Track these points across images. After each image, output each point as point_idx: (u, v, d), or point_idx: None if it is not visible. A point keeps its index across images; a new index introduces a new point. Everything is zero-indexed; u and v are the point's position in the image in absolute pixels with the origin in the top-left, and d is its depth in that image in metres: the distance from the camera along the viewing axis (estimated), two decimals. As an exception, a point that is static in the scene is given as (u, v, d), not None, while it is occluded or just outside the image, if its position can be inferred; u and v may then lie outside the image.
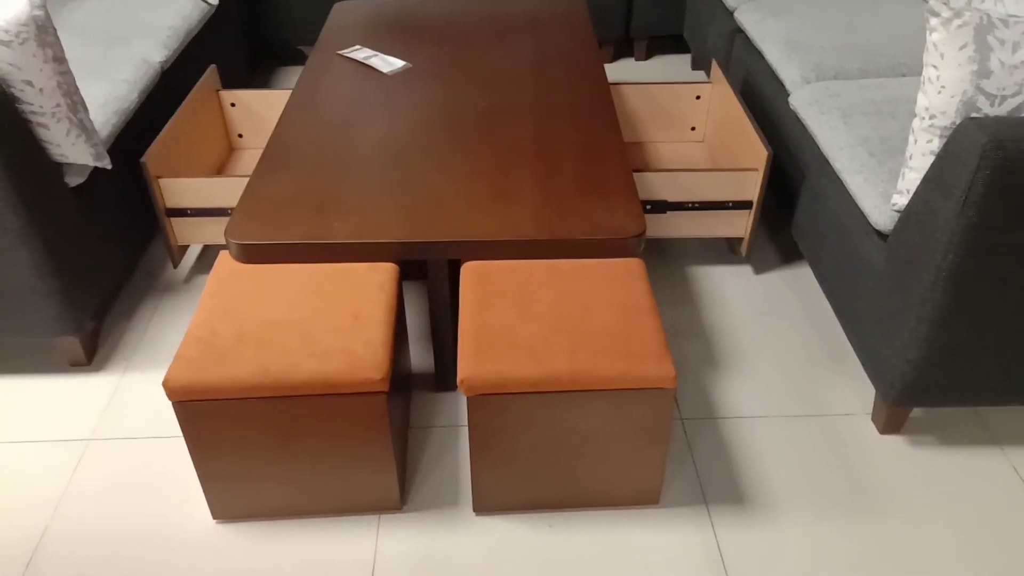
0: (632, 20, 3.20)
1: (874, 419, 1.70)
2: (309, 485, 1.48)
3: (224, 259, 1.60)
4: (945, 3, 1.31)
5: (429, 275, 1.64)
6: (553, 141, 1.83)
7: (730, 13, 2.63)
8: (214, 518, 1.52)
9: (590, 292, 1.51)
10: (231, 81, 2.80)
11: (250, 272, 1.57)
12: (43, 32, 1.54)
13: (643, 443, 1.43)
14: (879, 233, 1.61)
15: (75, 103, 1.67)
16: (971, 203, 1.30)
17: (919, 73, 2.05)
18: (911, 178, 1.48)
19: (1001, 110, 1.34)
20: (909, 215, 1.47)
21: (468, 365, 1.35)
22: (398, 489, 1.50)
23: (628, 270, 1.56)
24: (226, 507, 1.50)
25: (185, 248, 2.13)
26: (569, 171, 1.72)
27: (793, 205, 2.03)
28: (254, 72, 3.27)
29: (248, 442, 1.40)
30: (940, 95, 1.36)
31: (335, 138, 1.83)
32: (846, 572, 1.42)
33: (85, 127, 1.70)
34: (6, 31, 1.49)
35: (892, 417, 1.66)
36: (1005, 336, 1.46)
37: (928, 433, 1.68)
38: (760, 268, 2.16)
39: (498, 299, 1.49)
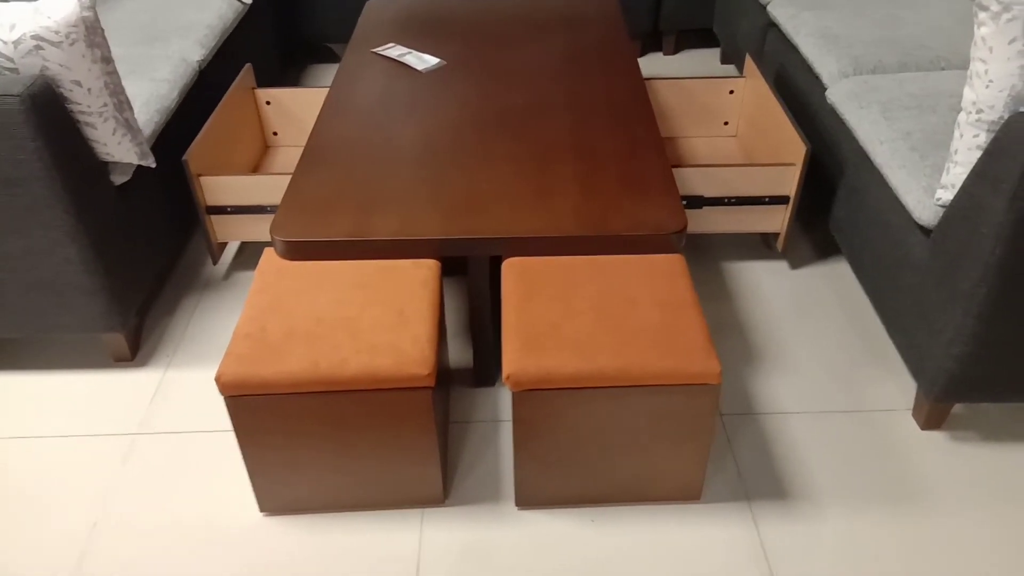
0: (661, 14, 3.19)
1: (915, 415, 1.70)
2: (354, 479, 1.50)
3: (269, 256, 1.62)
4: (994, -4, 1.30)
5: (470, 271, 1.65)
6: (591, 137, 1.83)
7: (763, 7, 2.62)
8: (261, 511, 1.54)
9: (632, 288, 1.51)
10: (264, 79, 2.83)
11: (295, 269, 1.59)
12: (92, 33, 1.57)
13: (686, 439, 1.44)
14: (922, 228, 1.60)
15: (121, 103, 1.69)
16: (1020, 197, 1.29)
17: (959, 67, 2.04)
18: (956, 173, 1.47)
19: (1051, 104, 1.33)
20: (955, 210, 1.46)
21: (514, 360, 1.36)
22: (441, 483, 1.52)
23: (669, 266, 1.57)
24: (273, 500, 1.52)
25: (224, 245, 2.16)
26: (608, 167, 1.72)
27: (830, 200, 2.02)
28: (286, 70, 3.29)
29: (296, 436, 1.42)
30: (988, 89, 1.35)
31: (373, 136, 1.85)
32: (890, 568, 1.42)
33: (131, 126, 1.73)
34: (56, 32, 1.51)
35: (934, 413, 1.65)
36: (1052, 331, 1.45)
37: (970, 429, 1.68)
38: (796, 263, 2.15)
39: (541, 295, 1.50)
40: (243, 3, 2.61)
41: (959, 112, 1.77)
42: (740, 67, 2.96)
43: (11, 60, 1.53)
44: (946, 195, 1.51)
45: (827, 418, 1.71)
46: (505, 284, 1.55)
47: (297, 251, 1.57)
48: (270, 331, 1.43)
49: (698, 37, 3.45)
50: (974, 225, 1.39)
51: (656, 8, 3.18)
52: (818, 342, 1.90)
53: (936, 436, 1.66)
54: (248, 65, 2.35)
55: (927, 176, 1.60)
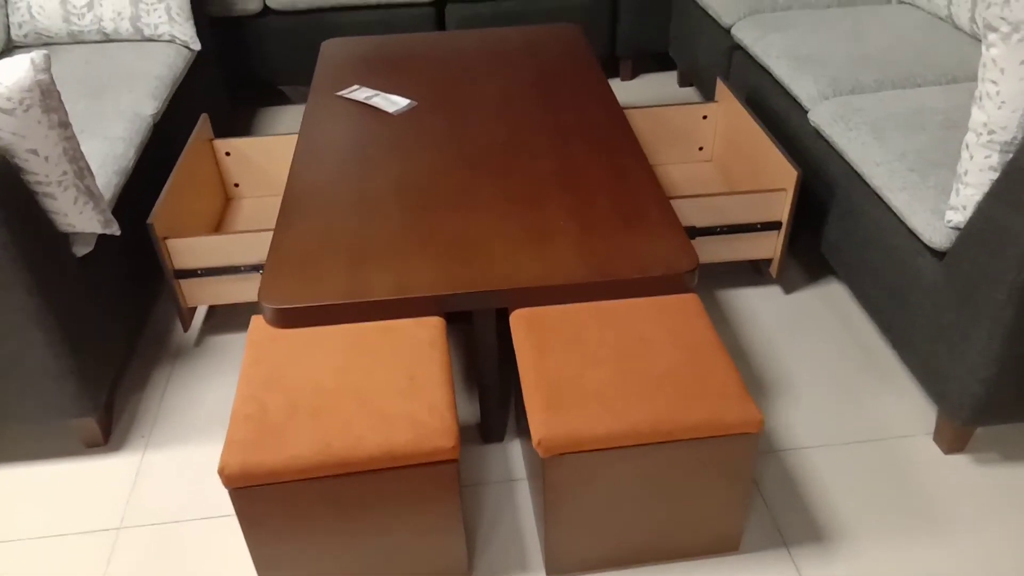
0: (617, 39, 3.17)
1: (937, 439, 1.67)
2: (372, 561, 1.38)
3: (258, 324, 1.50)
4: (1002, 18, 1.28)
5: (476, 326, 1.56)
6: (578, 171, 1.77)
7: (725, 30, 2.61)
8: (270, 606, 1.41)
9: (650, 332, 1.44)
10: (217, 127, 2.69)
11: (287, 336, 1.47)
12: (48, 97, 1.44)
13: (725, 489, 1.37)
14: (932, 250, 1.58)
15: (81, 169, 1.56)
16: (1046, 219, 1.27)
17: (935, 83, 2.04)
18: (967, 194, 1.45)
19: (1064, 122, 1.32)
20: (971, 232, 1.44)
21: (543, 424, 1.27)
22: (466, 556, 1.42)
23: (684, 306, 1.50)
24: (283, 593, 1.39)
25: (194, 310, 2.02)
26: (602, 202, 1.66)
27: (820, 223, 1.99)
28: (236, 115, 3.16)
29: (307, 523, 1.30)
30: (1000, 110, 1.34)
31: (352, 184, 1.75)
32: (940, 605, 1.38)
33: (92, 193, 1.59)
34: (8, 99, 1.38)
35: (958, 436, 1.62)
36: (1076, 348, 1.43)
37: (992, 450, 1.65)
38: (789, 288, 2.12)
39: (555, 346, 1.42)
40: (191, 50, 2.48)
41: (951, 129, 1.76)
42: (702, 90, 2.96)
43: (-42, 131, 1.39)
44: (957, 217, 1.48)
45: (848, 449, 1.67)
46: (516, 338, 1.47)
47: (289, 318, 1.46)
48: (271, 410, 1.31)
49: (654, 61, 3.44)
50: (995, 247, 1.37)
51: (612, 34, 3.15)
52: (823, 368, 1.86)
53: (960, 460, 1.63)
54: (204, 115, 2.23)
55: (932, 198, 1.58)
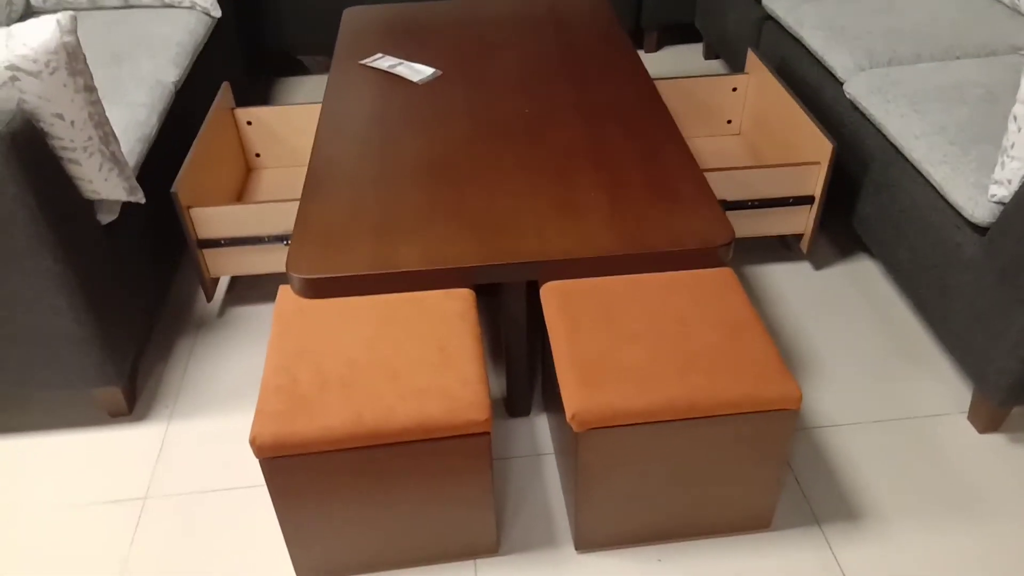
0: (642, 11, 3.11)
1: (972, 419, 1.64)
2: (401, 534, 1.37)
3: (286, 294, 1.48)
4: (1060, -17, 1.24)
5: (504, 299, 1.53)
6: (608, 143, 1.73)
7: (755, 1, 2.55)
8: (298, 577, 1.40)
9: (685, 307, 1.42)
10: (236, 97, 2.65)
11: (316, 307, 1.45)
12: (74, 60, 1.41)
13: (760, 466, 1.35)
14: (973, 226, 1.54)
15: (107, 135, 1.53)
16: (1100, 193, 1.23)
17: (974, 55, 1.99)
18: (1013, 168, 1.41)
19: (1120, 93, 1.27)
20: (1016, 207, 1.40)
21: (576, 398, 1.25)
22: (495, 531, 1.40)
23: (720, 280, 1.47)
24: (312, 565, 1.38)
25: (217, 280, 2.00)
26: (634, 175, 1.62)
27: (852, 197, 1.95)
28: (254, 85, 3.12)
29: (338, 494, 1.29)
30: (1054, 80, 1.29)
31: (378, 154, 1.72)
32: (976, 586, 1.36)
33: (117, 160, 1.57)
34: (35, 60, 1.35)
35: (994, 416, 1.59)
36: (1122, 327, 1.40)
37: (1028, 429, 1.63)
38: (819, 264, 2.08)
39: (588, 321, 1.40)
40: (211, 16, 2.44)
41: (992, 103, 1.72)
42: (729, 62, 2.90)
43: (-17, 94, 1.36)
44: (1001, 191, 1.44)
45: (880, 428, 1.64)
46: (548, 312, 1.44)
47: (317, 288, 1.44)
48: (302, 381, 1.29)
49: (679, 33, 3.38)
50: (1043, 223, 1.33)
51: (637, 4, 3.09)
52: (855, 345, 1.83)
53: (995, 439, 1.61)
54: (226, 84, 2.20)
55: (975, 171, 1.54)
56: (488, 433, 1.26)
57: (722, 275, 1.49)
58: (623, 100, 1.89)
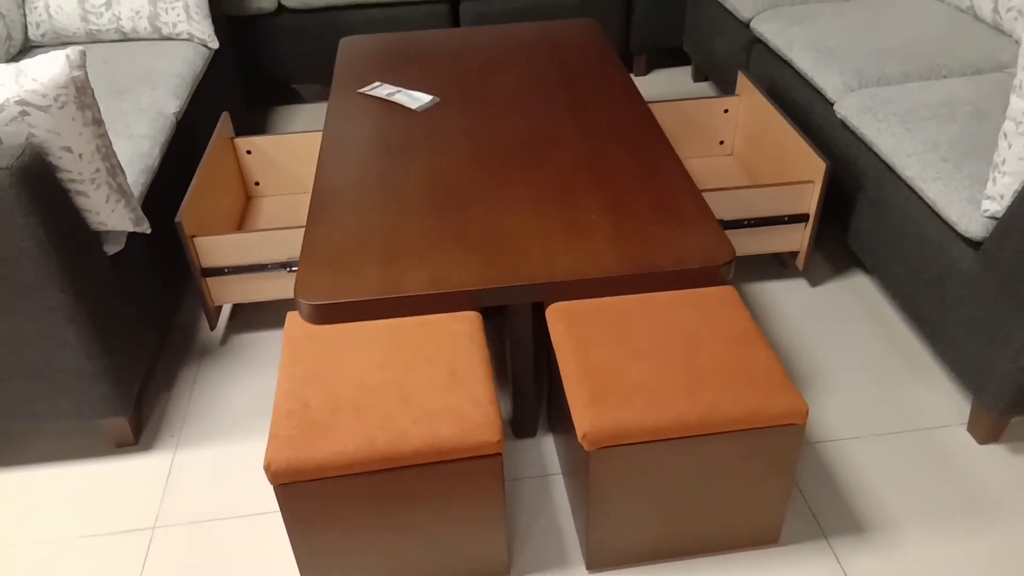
0: (631, 35, 3.16)
1: (971, 430, 1.66)
2: (414, 557, 1.37)
3: (294, 320, 1.49)
4: (1045, 4, 1.28)
5: (510, 320, 1.55)
6: (608, 165, 1.76)
7: (743, 24, 2.61)
8: (311, 603, 1.40)
9: (689, 325, 1.44)
10: (234, 126, 2.68)
11: (324, 332, 1.47)
12: (82, 94, 1.43)
13: (768, 481, 1.36)
14: (967, 240, 1.57)
15: (113, 167, 1.55)
16: (1091, 206, 1.27)
17: (961, 74, 2.04)
18: (1005, 183, 1.44)
19: (1107, 109, 1.31)
20: (1010, 221, 1.43)
21: (587, 418, 1.27)
22: (507, 552, 1.41)
23: (722, 298, 1.50)
24: (324, 590, 1.39)
25: (220, 308, 2.01)
26: (635, 196, 1.65)
27: (846, 215, 1.99)
28: (250, 114, 3.15)
29: (352, 519, 1.30)
30: (1042, 97, 1.33)
31: (381, 181, 1.74)
32: (985, 595, 1.37)
33: (124, 191, 1.58)
34: (44, 95, 1.37)
35: (993, 427, 1.62)
36: (1116, 336, 1.43)
37: (1027, 439, 1.65)
38: (815, 281, 2.11)
39: (594, 340, 1.41)
40: (208, 48, 2.47)
41: (981, 120, 1.76)
42: (719, 84, 2.95)
43: (-7, 129, 1.38)
44: (994, 206, 1.48)
45: (883, 441, 1.66)
46: (555, 332, 1.46)
47: (325, 314, 1.45)
48: (313, 406, 1.30)
49: (668, 56, 3.44)
50: (1037, 235, 1.36)
51: (626, 29, 3.15)
52: (853, 360, 1.86)
53: (996, 449, 1.63)
54: (225, 114, 2.22)
55: (967, 187, 1.57)
56: (500, 454, 1.27)
57: (724, 293, 1.51)
58: (620, 123, 1.93)
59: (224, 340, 2.01)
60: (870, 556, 1.44)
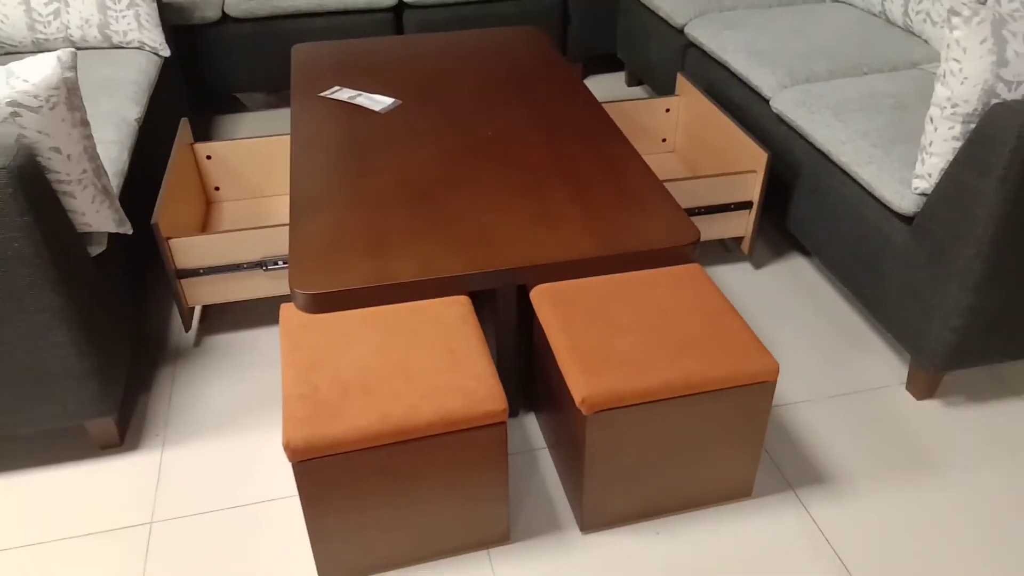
0: (567, 43, 3.31)
1: (909, 388, 1.84)
2: (421, 529, 1.44)
3: (288, 312, 1.54)
4: (964, 3, 1.46)
5: (498, 303, 1.64)
6: (571, 161, 1.87)
7: (677, 30, 2.78)
8: (321, 581, 1.45)
9: (664, 300, 1.56)
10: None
11: (321, 321, 1.52)
12: (73, 95, 1.45)
13: (743, 437, 1.49)
14: (900, 216, 1.75)
15: (98, 167, 1.57)
16: (1009, 179, 1.45)
17: (879, 71, 2.25)
18: (932, 163, 1.62)
19: (1017, 94, 1.51)
20: (939, 196, 1.61)
21: (583, 384, 1.37)
22: (507, 520, 1.49)
23: (691, 275, 1.63)
24: (335, 568, 1.44)
25: (193, 309, 2.02)
26: (600, 187, 1.77)
27: (787, 202, 2.16)
28: (196, 123, 3.13)
29: (364, 494, 1.36)
30: (963, 85, 1.51)
31: (356, 178, 1.81)
32: (935, 526, 1.53)
33: (108, 192, 1.60)
34: (35, 96, 1.39)
35: (929, 384, 1.80)
36: (1032, 295, 1.62)
37: (956, 394, 1.84)
38: (758, 264, 2.28)
39: (579, 318, 1.52)
40: (160, 56, 2.47)
41: (902, 111, 1.95)
42: (654, 87, 3.12)
43: (-17, 130, 1.38)
44: (923, 184, 1.66)
45: (832, 402, 1.82)
46: (541, 312, 1.56)
47: (321, 303, 1.51)
48: (322, 389, 1.36)
49: (602, 63, 3.60)
50: (963, 207, 1.54)
51: (563, 38, 3.29)
52: (798, 333, 2.02)
53: (932, 404, 1.81)
54: (184, 119, 2.23)
55: (897, 169, 1.75)
56: (505, 423, 1.35)
57: (691, 271, 1.64)
58: (576, 120, 2.04)
59: (197, 341, 2.02)
60: (833, 504, 1.59)
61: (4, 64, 2.26)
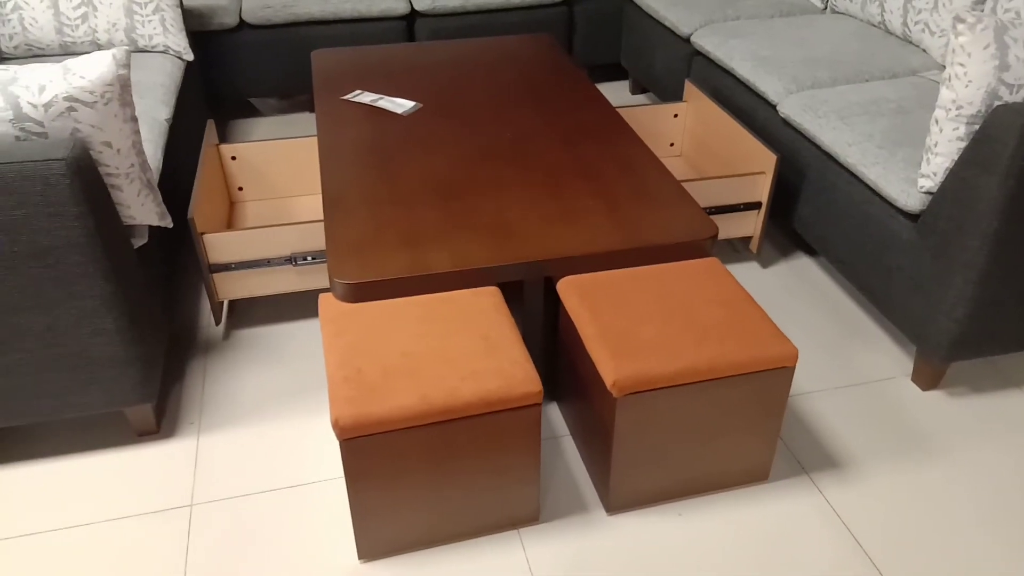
0: (573, 51, 3.40)
1: (914, 379, 1.92)
2: (457, 508, 1.51)
3: (327, 302, 1.61)
4: (969, 11, 1.55)
5: (525, 294, 1.71)
6: (590, 161, 1.95)
7: (683, 39, 2.87)
8: (360, 559, 1.51)
9: (686, 291, 1.64)
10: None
11: (359, 311, 1.59)
12: (125, 91, 1.51)
13: (762, 421, 1.57)
14: (906, 214, 1.84)
15: (144, 163, 1.63)
16: (1012, 176, 1.54)
17: (880, 78, 2.34)
18: (937, 162, 1.71)
19: (1018, 97, 1.60)
20: (944, 194, 1.70)
21: (613, 368, 1.44)
22: (538, 500, 1.56)
23: (710, 268, 1.71)
24: (373, 545, 1.50)
25: (223, 303, 2.08)
26: (619, 185, 1.84)
27: (793, 202, 2.25)
28: (217, 125, 3.19)
29: (406, 472, 1.42)
30: (967, 88, 1.60)
31: (385, 177, 1.88)
32: (946, 506, 1.61)
33: (152, 187, 1.67)
34: (91, 92, 1.46)
35: (934, 375, 1.88)
36: (1032, 288, 1.71)
37: (960, 384, 1.92)
38: (766, 263, 2.37)
39: (605, 307, 1.59)
40: (183, 60, 2.54)
41: (904, 115, 2.05)
42: (659, 94, 3.21)
43: (40, 124, 1.45)
44: (928, 183, 1.75)
45: (842, 393, 1.90)
46: (568, 303, 1.63)
47: (360, 292, 1.57)
48: (366, 371, 1.43)
49: (605, 72, 3.69)
50: (968, 203, 1.63)
51: (569, 46, 3.38)
52: (807, 329, 2.11)
53: (937, 394, 1.89)
54: (210, 121, 2.30)
55: (903, 169, 1.84)
56: (540, 404, 1.42)
57: (710, 264, 1.72)
58: (592, 123, 2.12)
59: (226, 335, 2.08)
60: (846, 488, 1.67)
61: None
